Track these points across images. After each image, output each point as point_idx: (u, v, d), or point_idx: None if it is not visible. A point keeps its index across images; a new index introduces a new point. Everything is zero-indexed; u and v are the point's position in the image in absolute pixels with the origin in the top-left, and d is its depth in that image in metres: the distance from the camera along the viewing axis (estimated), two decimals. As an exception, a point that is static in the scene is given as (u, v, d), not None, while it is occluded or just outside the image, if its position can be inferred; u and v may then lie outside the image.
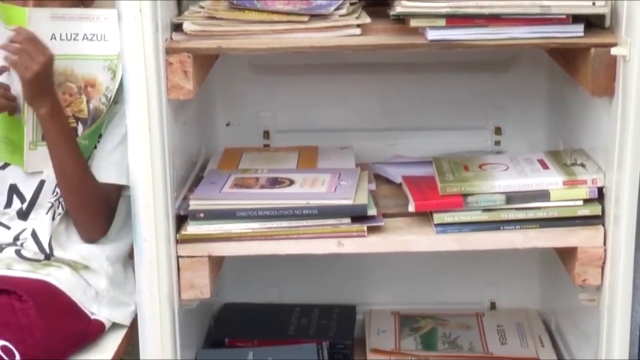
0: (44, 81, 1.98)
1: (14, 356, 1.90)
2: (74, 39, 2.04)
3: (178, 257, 1.95)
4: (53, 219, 2.07)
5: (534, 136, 2.43)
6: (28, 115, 2.04)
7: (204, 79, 2.03)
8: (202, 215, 1.96)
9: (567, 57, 2.03)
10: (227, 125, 2.48)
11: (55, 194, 2.08)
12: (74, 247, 2.09)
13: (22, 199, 2.10)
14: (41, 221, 2.07)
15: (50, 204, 2.07)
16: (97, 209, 2.07)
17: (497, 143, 2.45)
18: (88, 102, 2.06)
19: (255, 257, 2.38)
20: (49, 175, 2.07)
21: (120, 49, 1.84)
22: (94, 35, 2.04)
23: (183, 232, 1.96)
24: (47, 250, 2.06)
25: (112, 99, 2.05)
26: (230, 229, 1.96)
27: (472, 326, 2.46)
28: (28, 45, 1.95)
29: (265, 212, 1.95)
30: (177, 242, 1.95)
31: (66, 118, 2.05)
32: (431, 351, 2.35)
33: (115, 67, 2.03)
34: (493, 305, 2.57)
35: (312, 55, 2.34)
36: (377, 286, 2.57)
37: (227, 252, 1.99)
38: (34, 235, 2.07)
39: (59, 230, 2.08)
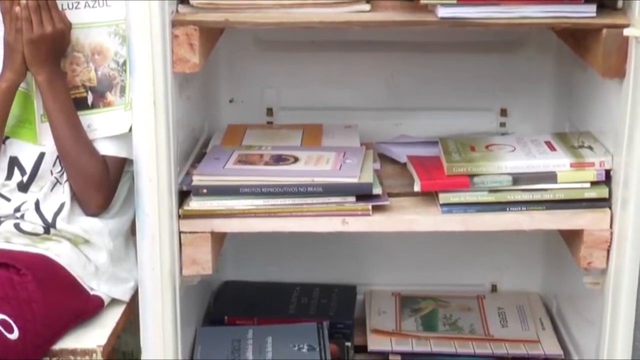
0: (46, 49, 1.97)
1: (13, 330, 1.89)
2: (76, 8, 2.02)
3: (180, 232, 1.94)
4: (52, 190, 2.06)
5: (540, 118, 2.41)
6: (37, 88, 2.03)
7: (209, 52, 2.01)
8: (205, 191, 1.94)
9: (577, 38, 2.01)
10: (231, 101, 2.46)
11: (57, 166, 2.06)
12: (77, 220, 2.07)
13: (22, 171, 2.08)
14: (44, 193, 2.06)
15: (54, 177, 2.06)
16: (96, 181, 2.05)
17: (503, 125, 2.43)
18: (96, 70, 2.05)
19: (256, 235, 2.37)
20: (49, 147, 2.06)
21: (126, 22, 1.82)
22: (95, 1, 2.02)
23: (186, 208, 1.94)
24: (50, 222, 2.04)
25: (125, 64, 2.03)
26: (234, 205, 1.94)
27: (473, 308, 2.45)
28: (43, 10, 1.94)
29: (269, 189, 1.93)
30: (179, 217, 1.94)
31: (66, 88, 2.03)
32: (432, 332, 2.34)
33: (124, 31, 2.00)
34: (494, 288, 2.56)
35: (318, 32, 2.32)
36: (378, 267, 2.56)
37: (230, 229, 1.97)
38: (37, 206, 2.05)
39: (63, 202, 2.06)
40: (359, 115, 2.39)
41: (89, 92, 2.05)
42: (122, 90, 2.04)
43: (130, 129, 1.90)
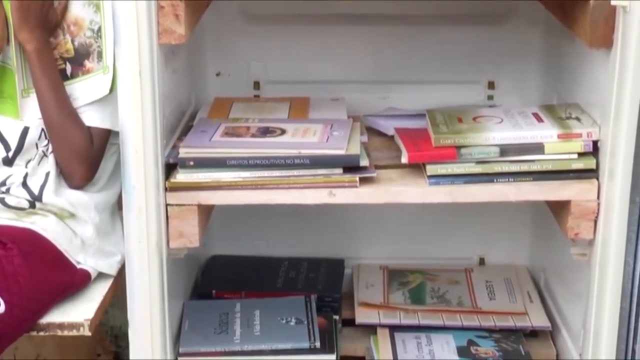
0: (34, 16, 1.97)
1: (-1, 303, 1.89)
2: None
3: (167, 205, 1.93)
4: (39, 164, 2.05)
5: (527, 91, 2.41)
6: (17, 63, 2.03)
7: (195, 24, 2.00)
8: (191, 163, 1.93)
9: (564, 9, 2.01)
10: (217, 75, 2.45)
11: (43, 139, 2.05)
12: (63, 193, 2.06)
13: (7, 146, 2.07)
14: (32, 167, 2.05)
15: (41, 151, 2.05)
16: (80, 152, 2.04)
17: (490, 97, 2.44)
18: (73, 40, 2.05)
19: (244, 209, 2.37)
20: (33, 121, 2.05)
21: (112, -8, 1.82)
22: None
23: (172, 180, 1.93)
24: (36, 195, 2.03)
25: (100, 30, 2.03)
26: (220, 177, 1.93)
27: (460, 281, 2.46)
28: None
29: (256, 161, 1.93)
30: (166, 190, 1.93)
31: (53, 58, 2.03)
32: (419, 305, 2.34)
33: (98, 0, 2.02)
34: (482, 261, 2.57)
35: (305, 5, 2.32)
36: (366, 240, 2.56)
37: (217, 201, 1.96)
38: (24, 180, 2.04)
39: (48, 172, 2.05)
40: (346, 88, 2.39)
41: (67, 64, 2.06)
42: (100, 56, 2.04)
43: (111, 91, 1.90)
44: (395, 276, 2.48)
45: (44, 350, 2.60)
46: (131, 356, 1.96)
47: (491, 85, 2.43)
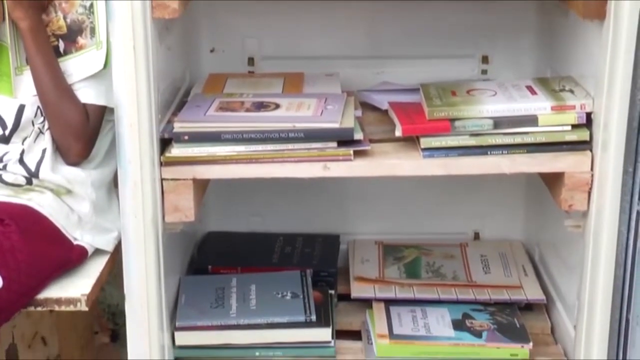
0: None
1: (-4, 279, 1.89)
2: None
3: (162, 179, 1.94)
4: (35, 141, 2.05)
5: (521, 65, 2.41)
6: (11, 40, 2.03)
7: (189, -2, 2.01)
8: (186, 137, 1.94)
9: (558, -19, 2.02)
10: (212, 51, 2.45)
11: (39, 117, 2.06)
12: (60, 170, 2.07)
13: (2, 124, 2.07)
14: (29, 144, 2.05)
15: (37, 128, 2.05)
16: (76, 128, 2.04)
17: (484, 72, 2.44)
18: (65, 17, 2.05)
19: (239, 186, 2.38)
20: (29, 98, 2.05)
21: (105, -33, 1.82)
22: None
23: (167, 155, 1.94)
24: (33, 171, 2.04)
25: (92, 6, 2.03)
26: (215, 151, 1.94)
27: (455, 256, 2.46)
28: None
29: (251, 135, 1.93)
30: (161, 164, 1.93)
31: (47, 35, 2.04)
32: (415, 279, 2.35)
33: None
34: (477, 236, 2.58)
35: (299, -20, 2.32)
36: (361, 216, 2.57)
37: (212, 175, 1.97)
38: (21, 157, 2.05)
39: (44, 149, 2.05)
40: (340, 64, 2.39)
41: (60, 41, 2.06)
42: (92, 32, 2.04)
43: (105, 66, 1.90)
44: (390, 251, 2.48)
45: (41, 328, 2.61)
46: (128, 329, 1.98)
47: (485, 59, 2.43)
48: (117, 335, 2.75)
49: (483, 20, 2.40)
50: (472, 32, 2.41)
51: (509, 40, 2.42)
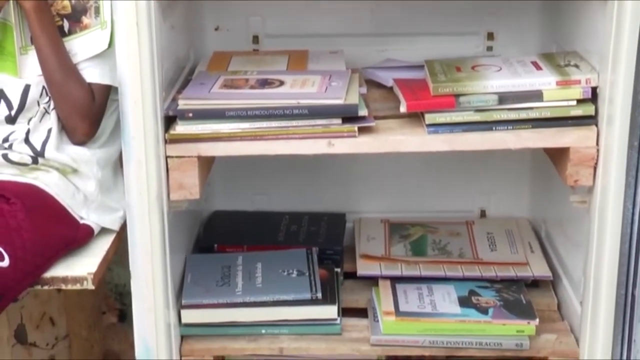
0: None
1: (3, 258, 1.90)
2: None
3: (167, 157, 1.94)
4: (41, 120, 2.06)
5: (526, 42, 2.40)
6: (15, 20, 2.04)
7: (193, -25, 2.00)
8: (191, 115, 1.93)
9: (562, -44, 2.01)
10: (216, 29, 2.44)
11: (45, 96, 2.06)
12: (65, 149, 2.07)
13: (9, 104, 2.08)
14: (34, 124, 2.06)
15: (42, 107, 2.06)
16: (82, 107, 2.05)
17: (490, 49, 2.43)
18: None
19: (245, 165, 2.38)
20: (34, 78, 2.06)
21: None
22: None
23: (172, 132, 1.94)
24: (39, 150, 2.04)
25: None
26: (220, 129, 1.94)
27: (462, 233, 2.46)
28: None
29: (255, 112, 1.93)
30: (165, 142, 1.93)
31: (51, 15, 2.04)
32: (421, 257, 2.35)
33: None
34: (483, 214, 2.57)
35: (303, -42, 2.31)
36: (367, 194, 2.56)
37: (216, 152, 1.97)
38: (27, 136, 2.05)
39: (50, 128, 2.06)
40: (345, 41, 2.38)
41: (64, 20, 2.06)
42: (97, 11, 2.05)
43: (110, 45, 1.90)
44: (396, 229, 2.48)
45: (49, 309, 2.62)
46: (134, 307, 1.98)
47: (490, 36, 2.42)
48: (125, 315, 2.76)
49: (487, -4, 2.39)
50: (477, 9, 2.40)
51: (514, 17, 2.40)
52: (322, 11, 2.41)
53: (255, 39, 2.44)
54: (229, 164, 2.40)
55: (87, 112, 2.06)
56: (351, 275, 2.33)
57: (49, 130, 2.06)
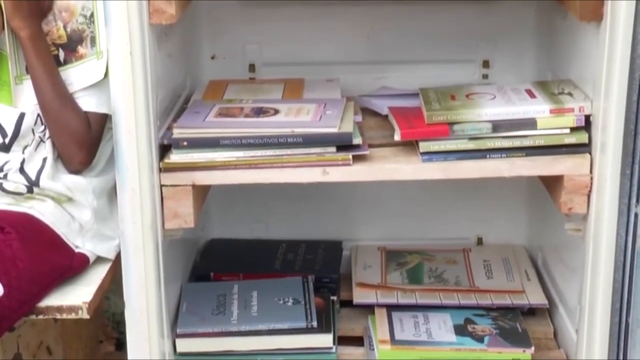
0: (28, 2, 1.99)
1: (-2, 287, 1.90)
2: None
3: (161, 185, 1.94)
4: (36, 149, 2.06)
5: (522, 69, 2.41)
6: (10, 49, 2.04)
7: (187, 4, 2.01)
8: (185, 143, 1.94)
9: (555, -16, 2.02)
10: (212, 58, 2.45)
11: (40, 125, 2.06)
12: (60, 178, 2.08)
13: (3, 132, 2.08)
14: (30, 153, 2.06)
15: (37, 136, 2.06)
16: (79, 136, 2.05)
17: (485, 76, 2.44)
18: (65, 27, 2.06)
19: (242, 194, 2.38)
20: (29, 107, 2.06)
21: (102, -27, 1.82)
22: None
23: (166, 161, 1.94)
24: (34, 180, 2.04)
25: (92, 16, 2.04)
26: (214, 157, 1.94)
27: (458, 261, 2.46)
28: None
29: (250, 141, 1.93)
30: (160, 170, 1.93)
31: (47, 44, 2.05)
32: (417, 285, 2.34)
33: None
34: (480, 241, 2.57)
35: (298, -13, 2.33)
36: (364, 222, 2.57)
37: (211, 181, 1.97)
38: (22, 166, 2.05)
39: (45, 157, 2.06)
40: (341, 69, 2.39)
41: (60, 50, 2.07)
42: (93, 41, 2.05)
43: (106, 75, 1.91)
44: (393, 257, 2.48)
45: (46, 338, 2.61)
46: (128, 336, 1.97)
47: (486, 64, 2.43)
48: (122, 344, 2.74)
49: (483, 24, 2.40)
50: (473, 37, 2.41)
51: (510, 45, 2.41)
52: (319, 39, 2.42)
53: (252, 68, 2.45)
54: (226, 192, 2.40)
55: (83, 141, 2.06)
56: (348, 303, 2.33)
57: (44, 160, 2.06)
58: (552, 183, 2.00)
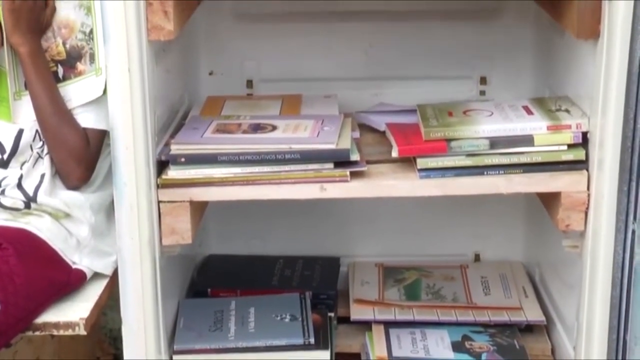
0: (27, 20, 1.99)
1: (-5, 303, 1.90)
2: None
3: (159, 202, 1.94)
4: (34, 165, 2.06)
5: (519, 86, 2.42)
6: (9, 65, 2.04)
7: (185, 21, 2.01)
8: (183, 159, 1.94)
9: (553, 2, 2.02)
10: (210, 74, 2.46)
11: (38, 141, 2.07)
12: (58, 194, 2.08)
13: (1, 148, 2.08)
14: (27, 169, 2.06)
15: (35, 152, 2.06)
16: (77, 152, 2.05)
17: (483, 93, 2.44)
18: (64, 43, 2.06)
19: (240, 210, 2.38)
20: (27, 122, 2.06)
21: (100, -10, 1.83)
22: None
23: (164, 177, 1.94)
24: (31, 196, 2.04)
25: (92, 32, 2.04)
26: (212, 173, 1.94)
27: (456, 277, 2.46)
28: None
29: (247, 157, 1.93)
30: (157, 187, 1.93)
31: (46, 60, 2.05)
32: (415, 301, 2.34)
33: (89, 2, 2.03)
34: (477, 257, 2.57)
35: (296, 3, 2.33)
36: (362, 238, 2.57)
37: (209, 197, 1.97)
38: (19, 182, 2.06)
39: (43, 174, 2.06)
40: (339, 85, 2.39)
41: (59, 66, 2.07)
42: (92, 58, 2.06)
43: (105, 92, 1.92)
44: (390, 273, 2.48)
45: (43, 353, 2.60)
46: (125, 353, 1.97)
47: (483, 80, 2.44)
48: (120, 359, 2.75)
49: (480, 41, 2.40)
50: (470, 53, 2.42)
51: (507, 61, 2.42)
52: (317, 55, 2.43)
53: (250, 84, 2.45)
54: (224, 208, 2.40)
55: (81, 157, 2.06)
56: (345, 320, 2.33)
57: (42, 176, 2.06)
58: (549, 200, 2.00)
